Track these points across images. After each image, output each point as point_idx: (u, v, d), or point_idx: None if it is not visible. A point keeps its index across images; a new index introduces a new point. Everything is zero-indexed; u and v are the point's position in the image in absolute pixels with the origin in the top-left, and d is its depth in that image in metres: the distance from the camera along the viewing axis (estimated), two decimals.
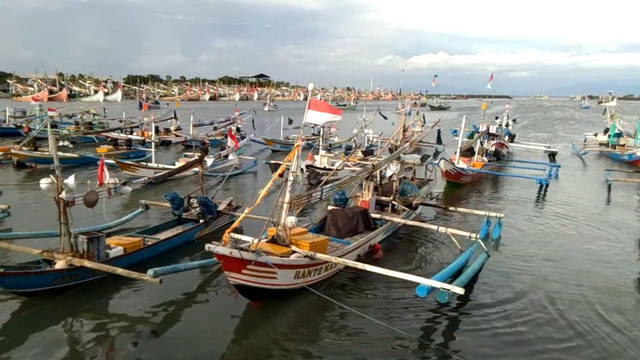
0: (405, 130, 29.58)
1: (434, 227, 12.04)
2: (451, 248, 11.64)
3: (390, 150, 17.39)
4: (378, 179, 13.83)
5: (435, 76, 35.94)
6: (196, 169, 15.13)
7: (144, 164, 21.23)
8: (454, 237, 11.36)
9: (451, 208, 14.97)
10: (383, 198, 13.62)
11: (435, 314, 8.44)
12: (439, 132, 33.25)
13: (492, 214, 13.31)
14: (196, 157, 16.03)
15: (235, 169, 19.18)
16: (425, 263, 11.11)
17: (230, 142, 22.24)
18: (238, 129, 32.87)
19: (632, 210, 17.13)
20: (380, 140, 27.69)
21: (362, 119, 30.23)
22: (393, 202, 13.47)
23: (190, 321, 8.06)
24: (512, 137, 35.29)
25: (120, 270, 8.33)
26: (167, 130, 35.29)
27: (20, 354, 6.98)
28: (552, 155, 30.80)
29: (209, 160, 15.08)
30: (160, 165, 20.67)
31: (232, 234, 8.21)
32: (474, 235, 11.08)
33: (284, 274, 8.34)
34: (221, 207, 13.13)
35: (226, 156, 22.73)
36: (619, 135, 33.82)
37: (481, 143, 25.55)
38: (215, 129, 37.08)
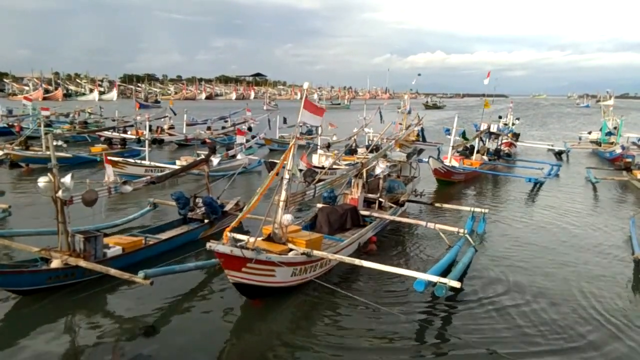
0: (407, 129, 29.68)
1: (423, 223, 12.36)
2: (436, 243, 11.95)
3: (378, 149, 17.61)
4: (364, 176, 14.02)
5: (419, 74, 37.13)
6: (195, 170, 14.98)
7: (132, 161, 20.89)
8: (442, 232, 11.66)
9: (437, 204, 15.20)
10: (370, 195, 13.85)
11: (431, 306, 8.69)
12: (422, 130, 33.22)
13: (477, 209, 13.60)
14: (202, 157, 15.77)
15: (244, 167, 19.02)
16: (415, 258, 11.37)
17: (239, 139, 22.14)
18: (250, 129, 32.77)
19: (616, 206, 17.55)
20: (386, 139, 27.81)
21: (362, 118, 30.29)
22: (380, 199, 13.70)
23: (188, 320, 8.12)
24: (516, 136, 35.43)
25: (112, 271, 8.27)
26: (162, 129, 35.41)
27: (13, 354, 6.97)
28: (558, 154, 30.61)
29: (215, 160, 14.94)
30: (152, 164, 20.44)
31: (231, 233, 8.37)
32: (461, 230, 11.36)
33: (282, 272, 8.51)
34: (228, 207, 12.95)
35: (234, 155, 22.39)
36: (610, 133, 34.19)
37: (482, 142, 25.62)
38: (209, 128, 37.20)
